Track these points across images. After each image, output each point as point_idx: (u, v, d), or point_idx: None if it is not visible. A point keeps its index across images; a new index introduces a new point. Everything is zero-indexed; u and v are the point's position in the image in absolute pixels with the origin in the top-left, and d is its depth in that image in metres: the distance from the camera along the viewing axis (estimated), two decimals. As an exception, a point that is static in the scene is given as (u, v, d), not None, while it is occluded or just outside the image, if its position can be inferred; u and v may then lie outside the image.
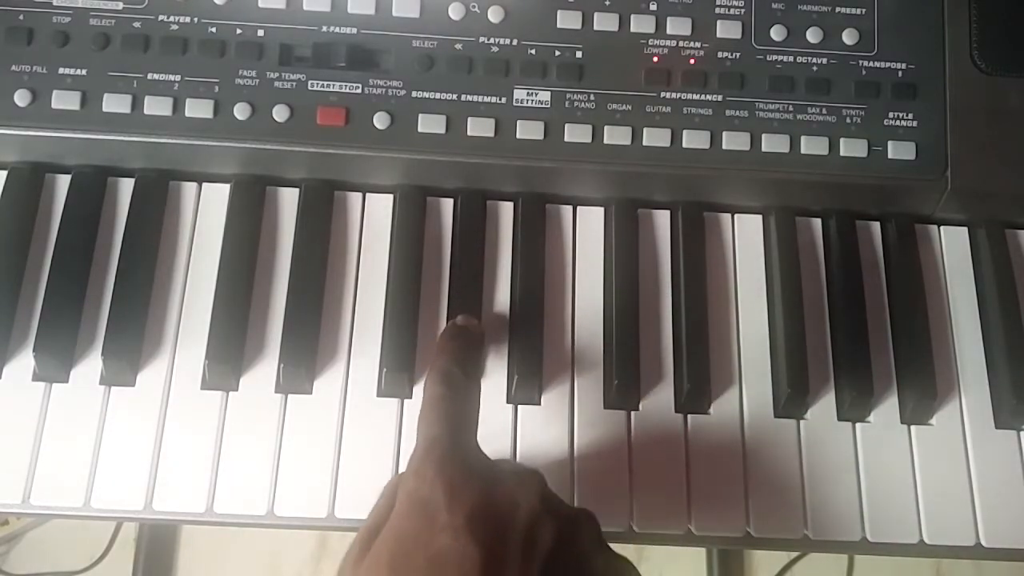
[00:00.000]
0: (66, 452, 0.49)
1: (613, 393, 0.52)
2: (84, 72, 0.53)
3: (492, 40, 0.54)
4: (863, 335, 0.54)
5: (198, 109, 0.53)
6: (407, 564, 0.37)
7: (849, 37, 0.55)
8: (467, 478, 0.40)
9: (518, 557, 0.37)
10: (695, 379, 0.52)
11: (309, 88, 0.53)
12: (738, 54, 0.55)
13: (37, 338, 0.50)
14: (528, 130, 0.53)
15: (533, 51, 0.54)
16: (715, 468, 0.51)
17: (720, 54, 0.55)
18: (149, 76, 0.53)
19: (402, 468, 0.50)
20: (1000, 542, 0.51)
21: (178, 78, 0.53)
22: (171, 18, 0.54)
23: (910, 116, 0.55)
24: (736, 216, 0.57)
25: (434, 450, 0.41)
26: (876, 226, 0.58)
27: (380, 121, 0.53)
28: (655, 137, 0.54)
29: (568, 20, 0.55)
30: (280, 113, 0.53)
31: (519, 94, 0.54)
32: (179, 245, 0.54)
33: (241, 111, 0.53)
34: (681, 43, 0.55)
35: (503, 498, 0.39)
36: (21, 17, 0.53)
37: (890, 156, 0.54)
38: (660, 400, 0.53)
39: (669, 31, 0.55)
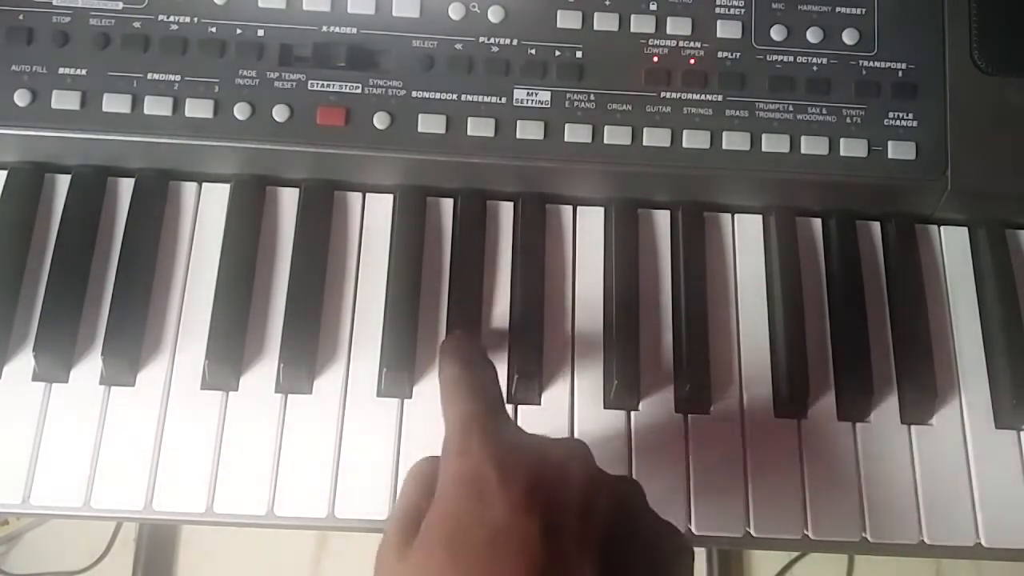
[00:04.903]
0: (66, 452, 0.49)
1: (613, 393, 0.52)
2: (84, 72, 0.53)
3: (492, 40, 0.54)
4: (863, 335, 0.54)
5: (198, 109, 0.53)
6: (465, 543, 0.35)
7: (849, 37, 0.55)
8: (515, 450, 0.38)
9: (577, 526, 0.36)
10: (695, 379, 0.52)
11: (309, 88, 0.53)
12: (738, 54, 0.55)
13: (37, 338, 0.50)
14: (528, 130, 0.53)
15: (533, 51, 0.54)
16: (715, 468, 0.51)
17: (720, 54, 0.55)
18: (149, 76, 0.53)
19: (403, 468, 0.50)
20: (1000, 542, 0.51)
21: (178, 78, 0.53)
22: (171, 18, 0.54)
23: (910, 116, 0.55)
24: (736, 216, 0.57)
25: (472, 426, 0.39)
26: (876, 226, 0.58)
27: (380, 121, 0.53)
28: (655, 137, 0.54)
29: (568, 20, 0.55)
30: (280, 113, 0.53)
31: (519, 94, 0.54)
32: (179, 245, 0.54)
33: (241, 111, 0.53)
34: (681, 43, 0.55)
35: (555, 468, 0.38)
36: (21, 17, 0.53)
37: (890, 156, 0.54)
38: (660, 400, 0.53)
39: (669, 31, 0.55)
